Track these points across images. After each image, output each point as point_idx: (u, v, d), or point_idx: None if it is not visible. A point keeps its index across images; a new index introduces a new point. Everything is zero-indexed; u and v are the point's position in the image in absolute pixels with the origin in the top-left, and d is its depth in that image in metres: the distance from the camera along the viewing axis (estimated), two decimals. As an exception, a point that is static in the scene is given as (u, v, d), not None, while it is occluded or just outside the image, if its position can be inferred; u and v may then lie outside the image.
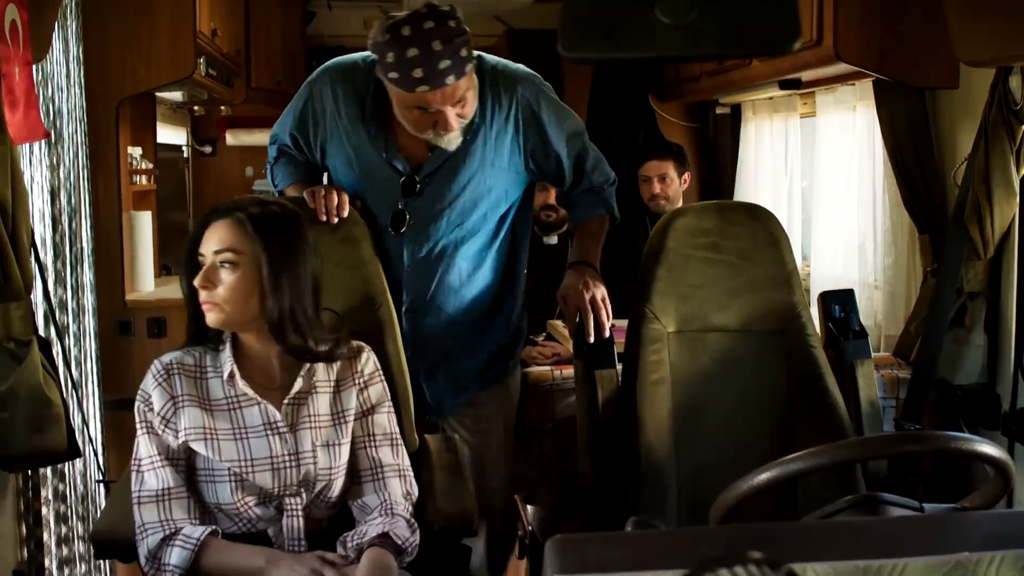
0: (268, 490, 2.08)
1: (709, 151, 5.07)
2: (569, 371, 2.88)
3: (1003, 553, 1.35)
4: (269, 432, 2.10)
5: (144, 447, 2.09)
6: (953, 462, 1.81)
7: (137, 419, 2.11)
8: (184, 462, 2.09)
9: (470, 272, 2.67)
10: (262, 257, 2.06)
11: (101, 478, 3.05)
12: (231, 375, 2.10)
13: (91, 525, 3.06)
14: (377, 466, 2.19)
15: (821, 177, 4.00)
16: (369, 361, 2.24)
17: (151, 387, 2.10)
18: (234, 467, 2.07)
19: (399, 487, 2.18)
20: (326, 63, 2.66)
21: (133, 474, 2.09)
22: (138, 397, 2.11)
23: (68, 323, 3.15)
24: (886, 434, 1.72)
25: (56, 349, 2.73)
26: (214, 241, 2.07)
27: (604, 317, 2.55)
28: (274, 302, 2.06)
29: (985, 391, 2.78)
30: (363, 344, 2.26)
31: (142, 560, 2.05)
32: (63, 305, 3.14)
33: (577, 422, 2.63)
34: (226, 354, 2.12)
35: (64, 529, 3.00)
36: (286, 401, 2.12)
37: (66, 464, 2.95)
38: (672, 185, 4.38)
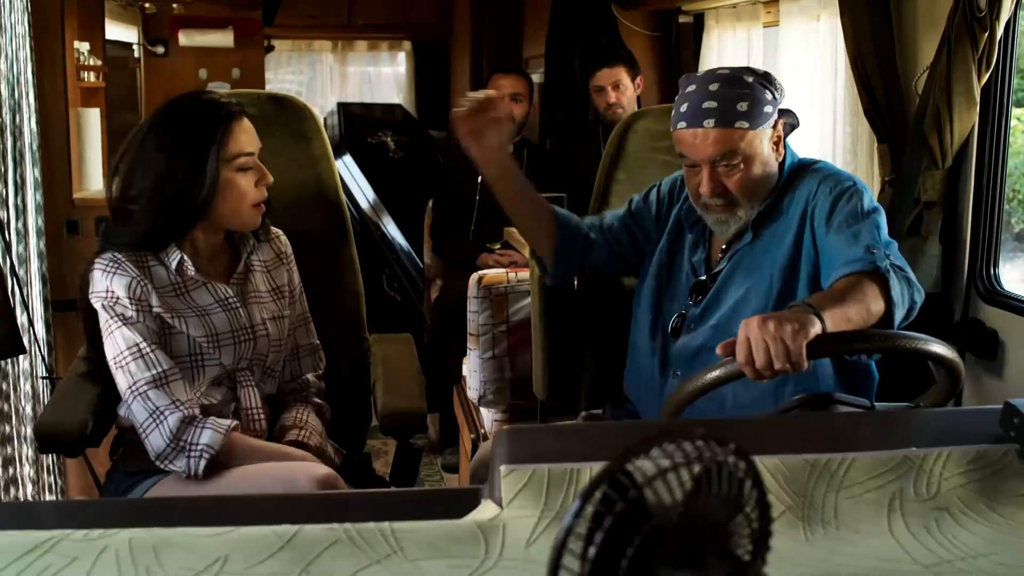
0: (227, 366, 2.11)
1: (671, 61, 5.01)
2: (524, 274, 2.86)
3: (949, 449, 1.36)
4: (225, 307, 2.13)
5: (124, 339, 2.02)
6: (906, 363, 1.82)
7: (106, 319, 2.04)
8: (166, 344, 2.07)
9: None
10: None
11: (47, 375, 3.00)
12: (180, 262, 2.08)
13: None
14: (295, 345, 2.30)
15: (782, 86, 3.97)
16: (287, 244, 2.31)
17: (106, 280, 2.04)
18: (202, 342, 2.07)
19: (310, 364, 2.33)
20: None
21: (119, 370, 2.03)
22: (96, 298, 2.05)
23: (11, 220, 3.07)
24: (839, 332, 1.71)
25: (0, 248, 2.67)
26: (253, 141, 2.09)
27: (768, 356, 1.65)
28: None
29: (939, 300, 2.79)
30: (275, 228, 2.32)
31: (158, 446, 2.00)
32: (5, 203, 3.06)
33: (531, 325, 2.62)
34: (172, 247, 2.09)
35: (8, 428, 2.96)
36: (232, 280, 2.16)
37: (10, 363, 2.90)
38: (627, 92, 4.33)
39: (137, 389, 2.01)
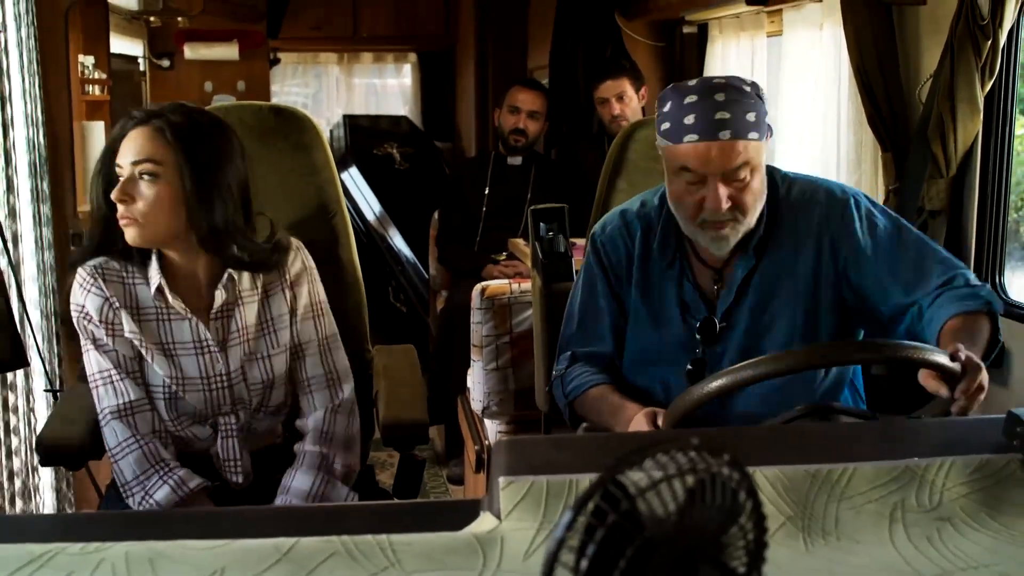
0: (201, 410, 2.03)
1: (675, 71, 5.01)
2: (527, 285, 2.85)
3: (951, 459, 1.35)
4: (199, 351, 2.02)
5: (95, 362, 2.00)
6: (910, 372, 1.81)
7: (81, 334, 2.02)
8: (139, 372, 2.01)
9: None
10: (184, 168, 1.91)
11: (49, 387, 3.00)
12: (159, 289, 1.99)
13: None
14: (305, 378, 2.13)
15: (786, 96, 3.96)
16: (297, 260, 2.12)
17: (81, 296, 1.99)
18: (167, 381, 2.00)
19: (324, 398, 2.13)
20: None
21: (93, 390, 2.01)
22: (73, 311, 2.02)
23: (20, 232, 3.08)
24: (840, 342, 1.71)
25: (3, 260, 2.67)
26: (132, 151, 1.91)
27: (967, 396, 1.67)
28: (201, 216, 1.93)
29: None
30: (293, 241, 2.14)
31: (121, 482, 1.97)
32: (14, 213, 3.07)
33: (534, 336, 2.61)
34: (153, 267, 2.00)
35: (15, 441, 2.97)
36: (212, 315, 2.03)
37: (16, 375, 2.91)
38: (631, 103, 4.34)
39: (104, 417, 1.99)
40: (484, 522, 1.26)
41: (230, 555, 1.21)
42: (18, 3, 3.13)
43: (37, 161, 3.27)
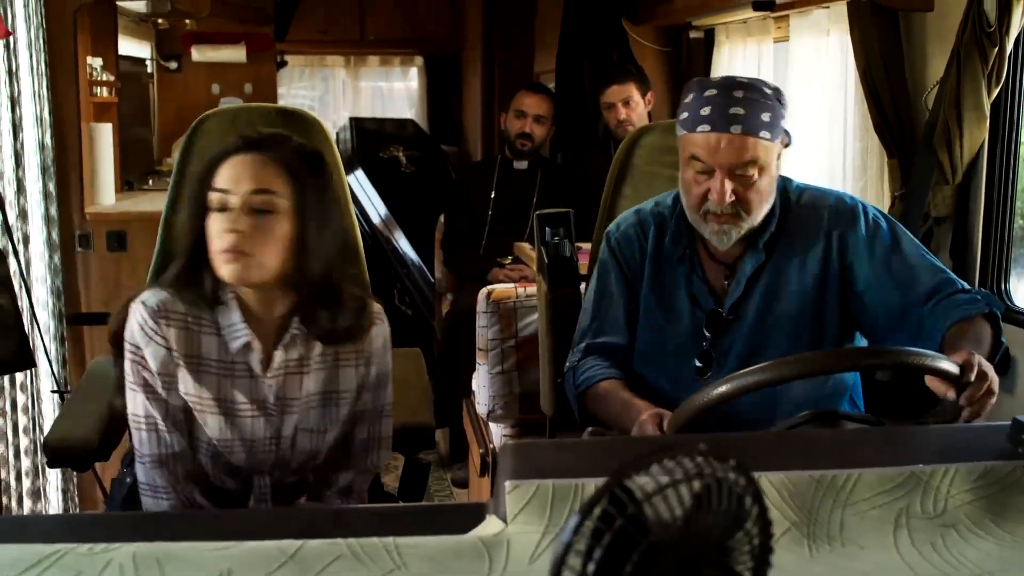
0: (239, 467, 1.89)
1: (682, 76, 5.01)
2: (532, 289, 2.86)
3: (956, 466, 1.35)
4: (255, 411, 1.86)
5: (142, 405, 1.84)
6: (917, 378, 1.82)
7: (130, 373, 1.84)
8: (186, 424, 1.86)
9: None
10: (300, 204, 1.75)
11: (56, 389, 3.01)
12: (246, 346, 1.83)
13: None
14: (352, 441, 1.98)
15: (793, 102, 3.96)
16: (380, 334, 1.95)
17: (141, 340, 1.81)
18: (217, 443, 1.86)
19: (362, 461, 1.99)
20: None
21: (132, 428, 1.86)
22: (127, 349, 1.83)
23: (29, 233, 3.10)
24: (846, 349, 1.71)
25: (12, 262, 2.68)
26: (246, 179, 1.73)
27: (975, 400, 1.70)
28: (307, 260, 1.77)
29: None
30: (380, 313, 1.97)
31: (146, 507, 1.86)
32: (24, 214, 3.08)
33: (539, 340, 2.61)
34: (235, 316, 1.82)
35: (26, 441, 2.98)
36: (271, 373, 1.86)
37: (27, 376, 2.92)
38: (637, 108, 4.34)
39: (141, 459, 1.85)
40: (490, 525, 1.27)
41: (237, 557, 1.22)
42: (27, 5, 3.15)
43: (45, 162, 3.28)
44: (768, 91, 2.02)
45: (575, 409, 2.23)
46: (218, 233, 1.73)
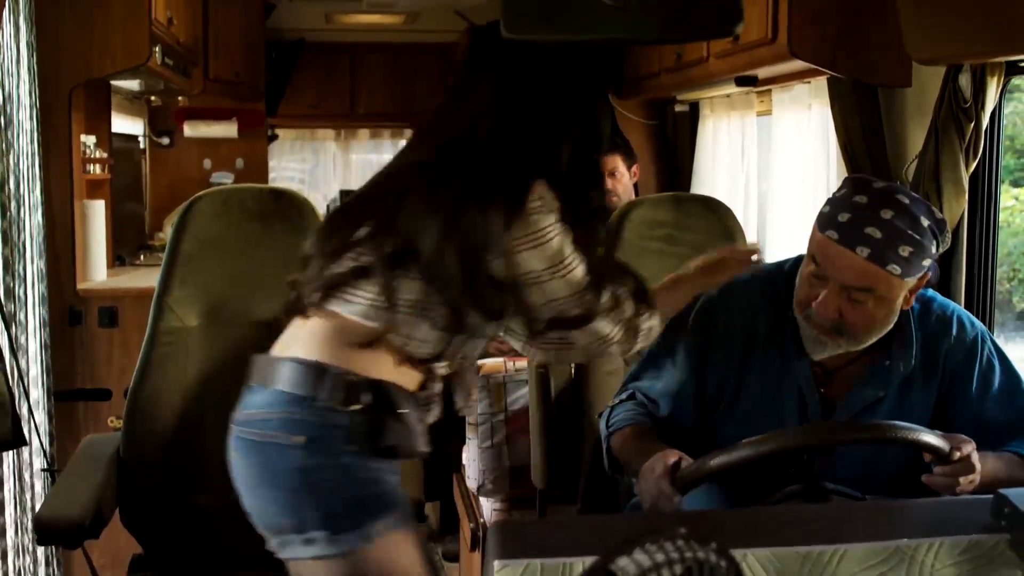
0: None
1: (667, 149, 5.09)
2: (522, 363, 2.88)
3: (941, 539, 1.37)
4: None
5: None
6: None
7: None
8: None
9: None
10: None
11: (46, 467, 3.01)
12: None
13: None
14: None
15: (776, 174, 4.03)
16: None
17: None
18: None
19: None
20: None
21: None
22: None
23: (16, 312, 3.11)
24: (834, 422, 1.74)
25: (3, 339, 2.70)
26: None
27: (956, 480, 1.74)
28: None
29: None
30: None
31: None
32: (11, 293, 3.10)
33: (529, 414, 2.63)
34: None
35: (2, 519, 2.96)
36: None
37: (7, 454, 2.91)
38: (623, 180, 4.38)
39: None
40: (480, 605, 1.28)
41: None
42: (21, 84, 3.20)
43: (33, 240, 3.30)
44: (924, 223, 1.83)
45: (604, 451, 2.11)
46: None
